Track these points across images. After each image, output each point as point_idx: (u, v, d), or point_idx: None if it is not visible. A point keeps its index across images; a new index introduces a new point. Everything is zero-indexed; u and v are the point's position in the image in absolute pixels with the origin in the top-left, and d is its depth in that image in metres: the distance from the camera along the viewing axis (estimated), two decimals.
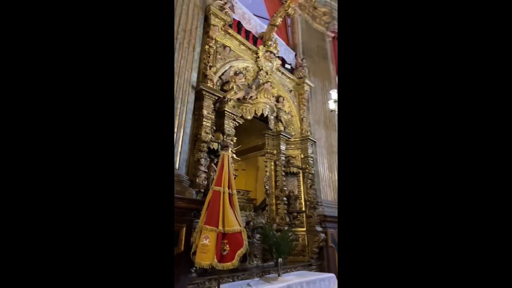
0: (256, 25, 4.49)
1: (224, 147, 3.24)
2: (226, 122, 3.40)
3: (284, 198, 4.13)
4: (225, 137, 3.34)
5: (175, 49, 2.88)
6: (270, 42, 4.25)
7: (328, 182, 4.84)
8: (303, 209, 4.27)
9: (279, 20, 4.20)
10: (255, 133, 4.76)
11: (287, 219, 4.06)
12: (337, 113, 3.25)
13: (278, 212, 4.05)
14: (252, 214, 3.79)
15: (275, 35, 4.78)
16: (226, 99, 3.43)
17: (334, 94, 3.28)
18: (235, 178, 4.20)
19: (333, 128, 5.39)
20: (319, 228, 4.11)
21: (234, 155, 4.20)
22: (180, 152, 2.71)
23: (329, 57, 6.11)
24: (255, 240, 3.41)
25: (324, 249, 4.11)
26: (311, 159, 4.55)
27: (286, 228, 3.86)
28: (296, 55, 5.34)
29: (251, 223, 3.35)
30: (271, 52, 4.24)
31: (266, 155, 4.34)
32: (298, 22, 5.72)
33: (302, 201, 4.33)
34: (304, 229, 4.15)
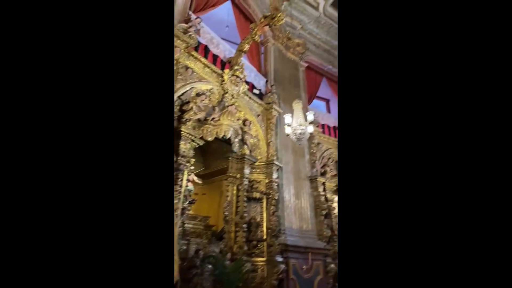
0: (224, 50, 4.58)
1: (176, 169, 3.11)
2: (182, 142, 3.29)
3: (244, 225, 3.94)
4: (179, 158, 3.21)
5: None
6: (237, 67, 4.32)
7: (294, 209, 4.70)
8: (264, 237, 4.07)
9: (246, 47, 4.31)
10: (222, 156, 4.67)
11: (246, 248, 3.83)
12: (293, 138, 3.23)
13: (237, 240, 3.83)
14: (204, 242, 3.56)
15: (245, 61, 4.89)
16: (184, 119, 3.36)
17: (288, 118, 3.29)
18: (194, 202, 4.02)
19: (302, 154, 5.38)
20: (279, 258, 3.89)
21: (195, 178, 4.05)
22: None
23: (301, 85, 6.28)
24: (204, 270, 3.16)
25: (284, 282, 3.86)
26: (276, 184, 4.44)
27: (243, 257, 3.63)
28: (267, 81, 5.45)
29: (200, 251, 3.12)
30: (237, 76, 4.29)
31: (228, 179, 4.21)
32: (271, 51, 5.92)
33: (264, 228, 4.14)
34: (264, 259, 3.92)
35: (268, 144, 4.72)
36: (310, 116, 3.13)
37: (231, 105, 4.14)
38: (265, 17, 4.12)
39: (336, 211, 5.59)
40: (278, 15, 4.03)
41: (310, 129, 3.16)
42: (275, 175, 4.47)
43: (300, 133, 3.06)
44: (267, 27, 5.02)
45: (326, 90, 7.54)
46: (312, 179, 5.21)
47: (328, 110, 7.89)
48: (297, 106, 3.27)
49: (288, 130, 3.24)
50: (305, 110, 6.08)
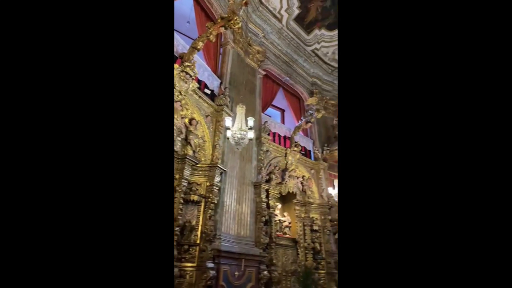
0: (178, 45, 4.42)
1: None
2: None
3: (177, 228, 3.75)
4: None
5: None
6: (188, 63, 4.18)
7: (234, 214, 4.64)
8: (198, 241, 3.93)
9: (200, 44, 4.21)
10: None
11: (175, 252, 3.65)
12: (232, 142, 3.20)
13: None
14: None
15: (201, 60, 4.77)
16: None
17: (228, 121, 3.26)
18: None
19: (249, 159, 5.39)
20: (210, 264, 3.78)
21: None
22: None
23: (256, 92, 6.34)
24: None
25: None
26: (217, 188, 4.35)
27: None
28: (221, 83, 5.39)
29: None
30: (187, 73, 4.15)
31: None
32: (230, 54, 5.90)
33: (199, 232, 4.00)
34: (194, 264, 3.77)
35: (214, 147, 4.63)
36: (251, 122, 3.14)
37: (177, 101, 3.97)
38: (222, 18, 4.09)
39: (277, 218, 5.69)
40: (235, 18, 4.03)
41: (250, 134, 3.16)
42: (217, 179, 4.38)
43: (239, 138, 3.04)
44: (227, 29, 4.99)
45: (282, 100, 7.75)
46: (256, 185, 5.23)
47: (283, 121, 8.11)
48: (240, 110, 3.26)
49: (228, 133, 3.20)
50: (258, 116, 6.16)
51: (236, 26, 4.02)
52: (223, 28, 4.25)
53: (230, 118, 3.33)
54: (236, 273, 4.09)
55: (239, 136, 3.04)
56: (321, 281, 5.37)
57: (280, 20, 6.99)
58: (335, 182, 5.99)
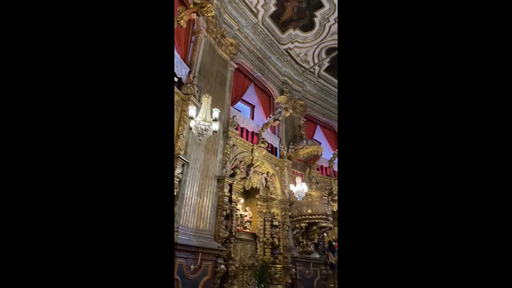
0: None
1: None
2: None
3: None
4: None
5: None
6: None
7: (194, 207, 4.54)
8: None
9: None
10: None
11: None
12: (195, 132, 3.10)
13: None
14: None
15: None
16: None
17: (192, 111, 3.16)
18: None
19: (214, 152, 5.30)
20: None
21: None
22: None
23: (227, 85, 6.25)
24: None
25: None
26: (177, 180, 4.21)
27: None
28: (190, 72, 5.21)
29: None
30: None
31: None
32: (202, 43, 5.72)
33: None
34: None
35: (177, 137, 4.46)
36: (216, 113, 3.07)
37: None
38: (195, 4, 3.94)
39: (238, 213, 5.70)
40: (208, 5, 3.91)
41: (215, 126, 3.10)
42: (178, 170, 4.24)
43: (202, 129, 2.96)
44: (200, 16, 4.82)
45: (253, 96, 7.75)
46: (220, 179, 5.18)
47: (252, 116, 8.12)
48: (206, 100, 3.17)
49: (191, 123, 3.10)
50: (227, 110, 6.08)
51: (209, 14, 3.90)
52: (195, 14, 4.10)
53: (195, 108, 3.23)
54: (192, 267, 4.02)
55: (202, 127, 2.96)
56: (277, 275, 5.52)
57: (256, 15, 6.94)
58: (297, 180, 6.16)
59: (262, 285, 5.04)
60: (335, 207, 7.46)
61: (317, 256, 6.37)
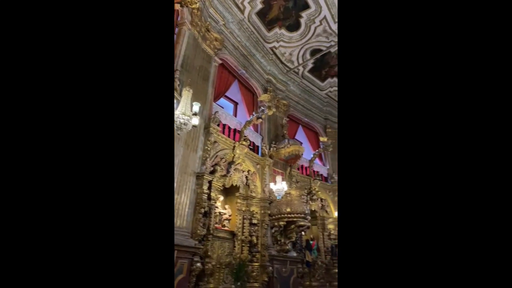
0: None
1: None
2: None
3: None
4: None
5: None
6: None
7: None
8: None
9: None
10: None
11: None
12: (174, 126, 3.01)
13: None
14: None
15: None
16: None
17: None
18: None
19: (194, 149, 5.19)
20: None
21: None
22: None
23: (210, 80, 6.14)
24: None
25: None
26: None
27: None
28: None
29: None
30: None
31: None
32: (186, 35, 5.57)
33: None
34: None
35: None
36: (196, 107, 2.99)
37: None
38: None
39: (217, 210, 5.63)
40: None
41: (195, 121, 3.02)
42: None
43: (181, 122, 2.87)
44: (183, 7, 4.68)
45: (237, 93, 7.68)
46: (199, 176, 5.08)
47: (235, 113, 8.05)
48: (186, 93, 3.08)
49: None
50: (209, 106, 5.97)
51: (194, 6, 3.79)
52: (179, 5, 3.97)
53: (175, 101, 3.12)
54: None
55: (181, 120, 2.87)
56: (254, 273, 5.51)
57: (242, 11, 6.88)
58: (278, 178, 6.19)
59: (239, 283, 5.01)
60: (313, 206, 7.59)
61: (294, 254, 6.44)
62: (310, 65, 8.77)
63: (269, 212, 6.23)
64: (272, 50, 8.04)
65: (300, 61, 8.43)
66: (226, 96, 7.57)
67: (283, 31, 7.61)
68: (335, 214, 7.95)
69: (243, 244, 5.74)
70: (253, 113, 6.63)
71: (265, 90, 7.90)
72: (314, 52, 8.19)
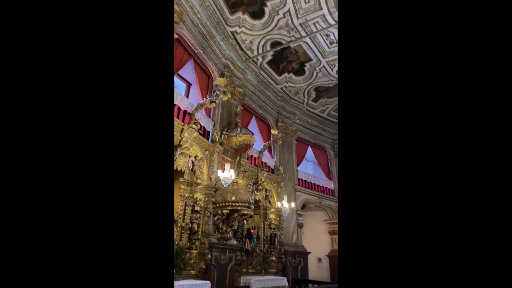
0: None
1: None
2: None
3: None
4: None
5: None
6: None
7: None
8: None
9: None
10: None
11: None
12: None
13: None
14: None
15: None
16: None
17: None
18: None
19: None
20: None
21: None
22: None
23: None
24: None
25: None
26: None
27: None
28: None
29: None
30: None
31: None
32: None
33: None
34: None
35: None
36: None
37: None
38: None
39: None
40: None
41: None
42: None
43: None
44: None
45: (191, 74, 7.24)
46: None
47: (187, 95, 7.60)
48: None
49: None
50: None
51: None
52: None
53: None
54: None
55: None
56: (191, 261, 5.37)
57: None
58: (226, 166, 6.08)
59: (175, 271, 4.81)
60: (258, 196, 7.73)
61: (235, 242, 6.48)
62: (269, 57, 8.77)
63: (213, 199, 6.11)
64: (233, 35, 7.77)
65: (260, 51, 8.36)
66: (178, 75, 7.08)
67: (246, 16, 7.39)
68: (278, 204, 8.25)
69: (183, 231, 5.53)
70: (207, 96, 6.33)
71: (222, 75, 7.64)
72: (274, 44, 8.19)
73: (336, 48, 8.47)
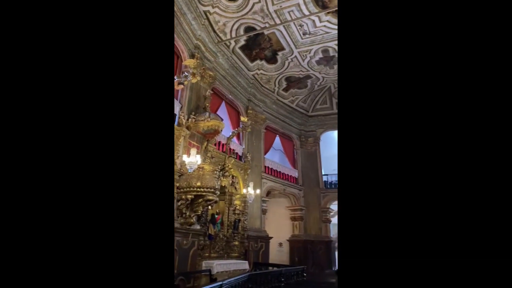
0: None
1: None
2: None
3: None
4: None
5: None
6: None
7: None
8: None
9: None
10: None
11: None
12: None
13: None
14: None
15: None
16: None
17: None
18: None
19: None
20: None
21: None
22: None
23: None
24: None
25: None
26: None
27: None
28: None
29: None
30: None
31: None
32: None
33: None
34: None
35: None
36: None
37: None
38: None
39: None
40: None
41: None
42: None
43: None
44: None
45: None
46: None
47: None
48: None
49: None
50: None
51: None
52: None
53: None
54: None
55: None
56: None
57: None
58: (192, 151, 5.94)
59: None
60: (224, 182, 7.72)
61: (198, 227, 6.46)
62: (242, 42, 8.58)
63: (177, 184, 5.97)
64: (206, 15, 7.42)
65: (233, 34, 8.13)
66: None
67: None
68: (243, 190, 8.35)
69: None
70: (175, 77, 6.04)
71: (192, 56, 7.31)
72: (248, 29, 8.02)
73: (309, 39, 8.57)
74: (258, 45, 8.82)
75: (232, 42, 8.46)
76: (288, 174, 11.48)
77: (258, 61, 9.39)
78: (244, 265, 7.47)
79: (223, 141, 8.38)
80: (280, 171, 11.17)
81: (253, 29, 7.97)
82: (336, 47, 8.86)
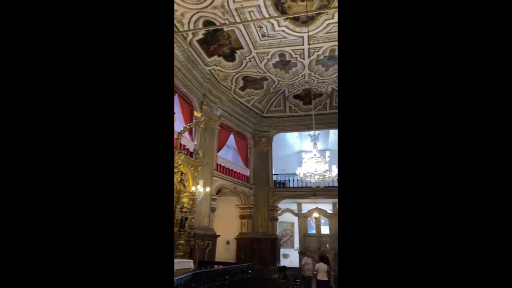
0: None
1: None
2: None
3: None
4: None
5: None
6: None
7: None
8: None
9: None
10: None
11: None
12: None
13: None
14: None
15: None
16: None
17: None
18: None
19: None
20: None
21: None
22: None
23: None
24: None
25: None
26: None
27: None
28: None
29: None
30: None
31: None
32: None
33: None
34: None
35: None
36: None
37: None
38: None
39: None
40: None
41: None
42: None
43: None
44: None
45: None
46: None
47: None
48: None
49: None
50: None
51: None
52: None
53: None
54: None
55: None
56: None
57: None
58: None
59: None
60: None
61: None
62: (200, 35, 8.35)
63: None
64: None
65: (192, 27, 7.85)
66: None
67: None
68: (192, 188, 8.14)
69: None
70: None
71: None
72: (207, 23, 7.83)
73: (267, 41, 8.75)
74: (217, 41, 8.68)
75: (190, 34, 8.17)
76: (240, 173, 11.57)
77: (216, 57, 9.24)
78: (189, 264, 7.29)
79: (175, 136, 8.04)
80: (232, 169, 11.18)
81: (213, 24, 7.82)
82: (292, 53, 9.23)
